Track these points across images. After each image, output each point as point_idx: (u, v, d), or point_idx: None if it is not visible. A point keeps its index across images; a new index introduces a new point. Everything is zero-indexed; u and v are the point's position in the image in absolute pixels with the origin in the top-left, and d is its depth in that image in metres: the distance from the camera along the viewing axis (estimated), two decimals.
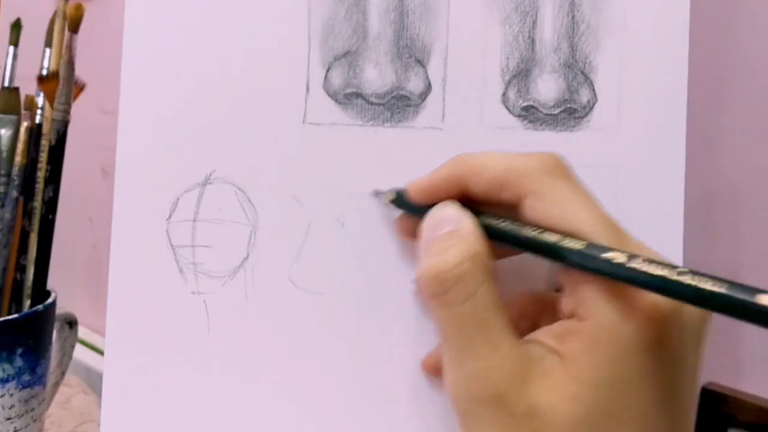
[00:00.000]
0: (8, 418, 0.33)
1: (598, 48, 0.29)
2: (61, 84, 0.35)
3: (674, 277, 0.18)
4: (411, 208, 0.26)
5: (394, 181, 0.28)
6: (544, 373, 0.20)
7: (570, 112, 0.29)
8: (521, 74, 0.29)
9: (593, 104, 0.29)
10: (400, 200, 0.27)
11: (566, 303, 0.22)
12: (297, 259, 0.28)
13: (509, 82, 0.29)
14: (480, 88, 0.29)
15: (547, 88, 0.29)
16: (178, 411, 0.27)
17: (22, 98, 0.37)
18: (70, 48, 0.35)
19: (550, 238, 0.21)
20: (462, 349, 0.21)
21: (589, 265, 0.20)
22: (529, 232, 0.22)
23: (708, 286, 0.17)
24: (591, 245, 0.20)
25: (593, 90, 0.29)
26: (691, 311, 0.21)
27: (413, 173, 0.28)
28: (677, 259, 0.29)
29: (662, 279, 0.18)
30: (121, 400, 0.27)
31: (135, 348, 0.27)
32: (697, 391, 0.22)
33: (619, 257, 0.19)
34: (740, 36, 0.37)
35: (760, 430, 0.36)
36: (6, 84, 0.37)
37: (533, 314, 0.25)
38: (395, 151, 0.28)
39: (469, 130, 0.28)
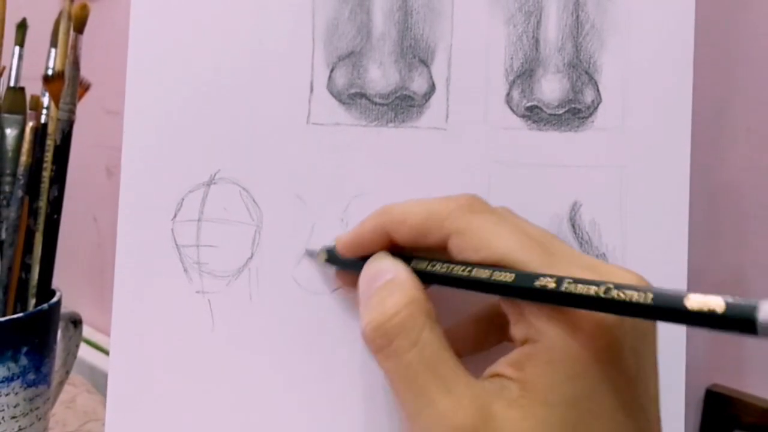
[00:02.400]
0: (13, 417, 0.33)
1: (602, 48, 0.29)
2: (67, 84, 0.35)
3: (602, 294, 0.19)
4: (344, 263, 0.26)
5: (397, 181, 0.28)
6: (508, 404, 0.20)
7: (574, 113, 0.29)
8: (525, 74, 0.29)
9: (597, 104, 0.29)
10: (332, 257, 0.27)
11: (516, 330, 0.22)
12: (301, 259, 0.28)
13: (513, 82, 0.29)
14: (484, 88, 0.29)
15: (551, 88, 0.29)
16: (183, 410, 0.27)
17: (28, 98, 0.37)
18: (76, 48, 0.35)
19: (481, 274, 0.22)
20: (417, 400, 0.21)
21: (523, 294, 0.21)
22: (460, 272, 0.22)
23: (635, 297, 0.18)
24: (520, 275, 0.21)
25: (597, 90, 0.29)
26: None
27: (417, 173, 0.28)
28: (682, 259, 0.29)
29: (592, 298, 0.19)
30: (125, 400, 0.27)
31: (139, 347, 0.27)
32: (657, 389, 0.22)
33: (549, 283, 0.20)
34: (745, 36, 0.37)
35: (765, 431, 0.36)
36: (12, 84, 0.37)
37: (499, 325, 0.25)
38: (399, 151, 0.28)
39: (473, 130, 0.28)
